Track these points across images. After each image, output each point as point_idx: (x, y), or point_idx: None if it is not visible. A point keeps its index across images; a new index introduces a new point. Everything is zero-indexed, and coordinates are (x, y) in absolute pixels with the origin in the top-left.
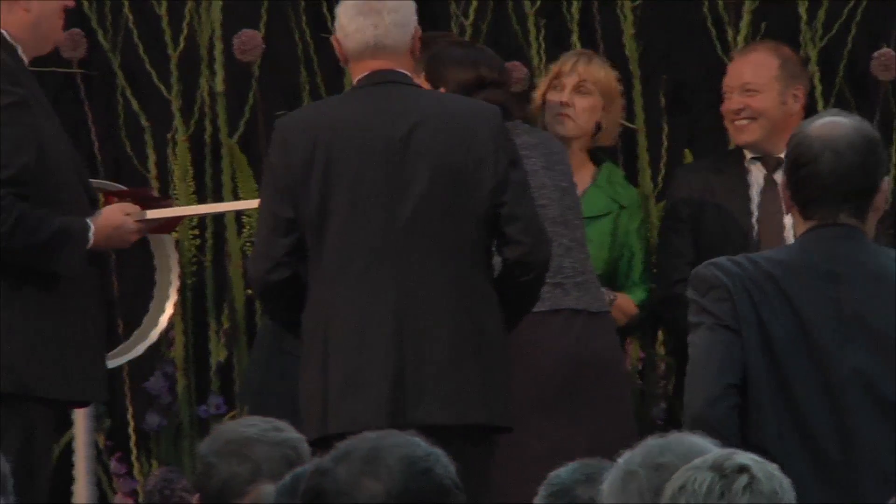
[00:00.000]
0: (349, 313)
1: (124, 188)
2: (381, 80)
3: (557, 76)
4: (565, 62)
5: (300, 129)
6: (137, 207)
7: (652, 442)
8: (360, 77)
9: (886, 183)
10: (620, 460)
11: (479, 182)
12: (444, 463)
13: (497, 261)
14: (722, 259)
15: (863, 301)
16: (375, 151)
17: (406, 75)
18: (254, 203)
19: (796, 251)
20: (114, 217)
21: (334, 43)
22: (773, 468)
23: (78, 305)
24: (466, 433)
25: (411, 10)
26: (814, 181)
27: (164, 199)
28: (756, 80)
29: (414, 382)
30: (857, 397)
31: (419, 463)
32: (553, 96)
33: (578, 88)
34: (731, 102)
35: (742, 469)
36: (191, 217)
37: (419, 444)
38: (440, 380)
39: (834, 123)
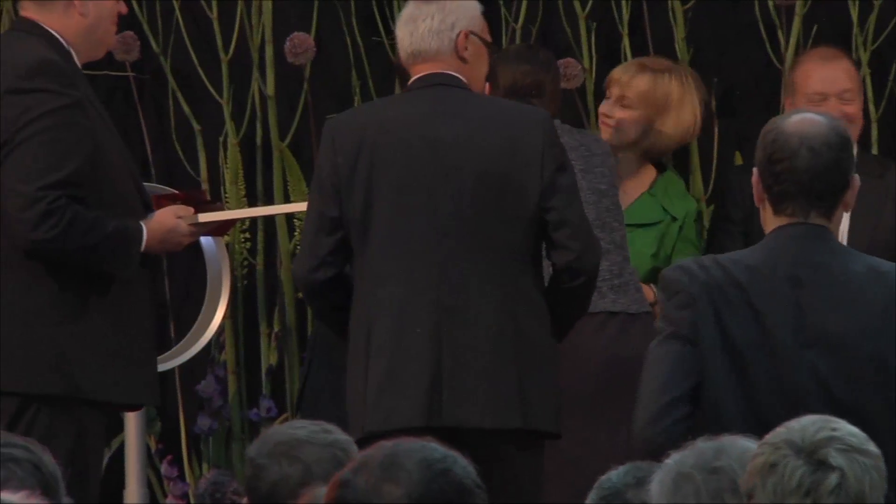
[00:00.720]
0: (390, 313)
1: (177, 191)
2: (430, 82)
3: (608, 85)
4: (616, 72)
5: (348, 129)
6: (190, 210)
7: (704, 445)
8: (412, 80)
9: (857, 180)
10: (670, 461)
11: (526, 186)
12: (462, 464)
13: (547, 266)
14: (690, 262)
15: (824, 307)
16: (421, 153)
17: (456, 77)
18: (304, 206)
19: (763, 254)
20: (167, 220)
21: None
22: (867, 464)
23: (129, 308)
24: (511, 437)
25: (451, 15)
26: (790, 177)
27: (216, 203)
28: (853, 86)
29: (452, 384)
30: (816, 403)
31: (437, 465)
32: (602, 105)
33: (620, 101)
34: (830, 108)
35: (834, 467)
36: (242, 220)
37: (435, 448)
38: (478, 383)
39: (811, 120)
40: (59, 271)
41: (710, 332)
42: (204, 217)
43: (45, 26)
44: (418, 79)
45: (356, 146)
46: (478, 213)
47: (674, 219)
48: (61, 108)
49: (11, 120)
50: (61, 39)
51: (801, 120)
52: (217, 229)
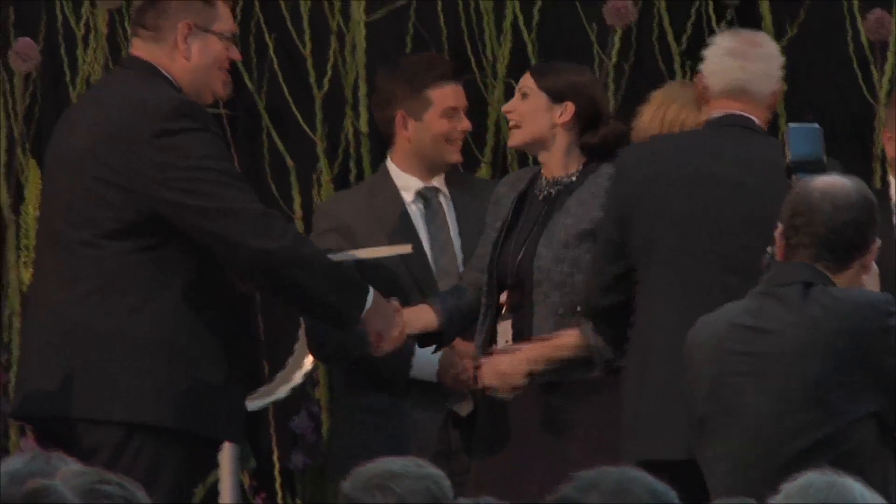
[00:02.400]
0: (665, 344)
1: None
2: (729, 122)
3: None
4: (696, 111)
5: (638, 159)
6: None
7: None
8: (711, 117)
9: (877, 244)
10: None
11: None
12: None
13: None
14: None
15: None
16: (708, 190)
17: (755, 122)
18: (406, 248)
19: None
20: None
21: (697, 80)
22: None
23: (229, 341)
24: None
25: (779, 63)
26: (808, 229)
27: None
28: None
29: None
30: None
31: (664, 496)
32: None
33: None
34: None
35: None
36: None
37: (657, 480)
38: None
39: (837, 181)
40: (163, 302)
41: None
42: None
43: (157, 66)
44: (719, 117)
45: (644, 176)
46: (752, 253)
47: None
48: (214, 143)
49: (169, 163)
50: (173, 80)
51: (827, 180)
52: None
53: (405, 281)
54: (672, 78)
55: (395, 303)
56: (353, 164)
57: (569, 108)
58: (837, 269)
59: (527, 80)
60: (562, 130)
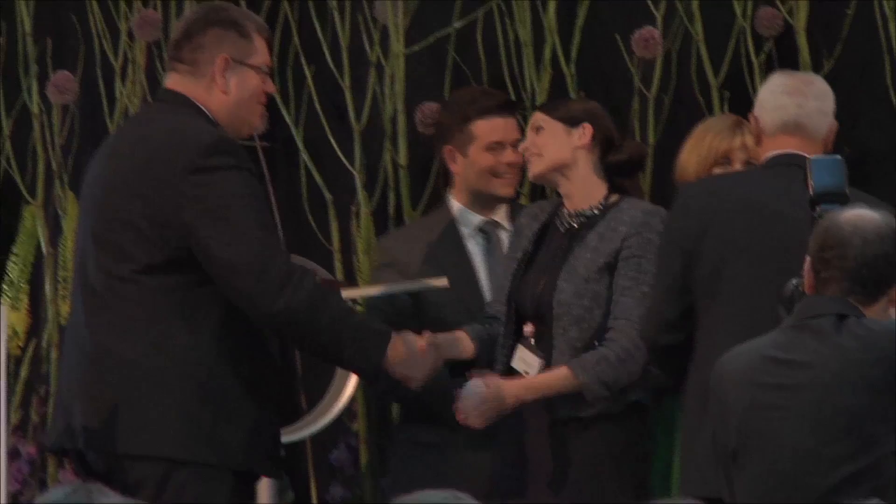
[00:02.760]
0: None
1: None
2: (788, 162)
3: (726, 154)
4: (727, 139)
5: (702, 196)
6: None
7: None
8: (768, 156)
9: None
10: None
11: None
12: None
13: None
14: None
15: None
16: (770, 227)
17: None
18: (442, 282)
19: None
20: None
21: (751, 119)
22: None
23: (267, 376)
24: None
25: (833, 102)
26: (838, 263)
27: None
28: None
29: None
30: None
31: None
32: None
33: (748, 164)
34: None
35: None
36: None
37: None
38: None
39: (866, 214)
40: (201, 337)
41: None
42: (347, 293)
43: (194, 100)
44: (776, 157)
45: (708, 213)
46: None
47: None
48: (249, 182)
49: (200, 199)
50: (210, 114)
51: (856, 214)
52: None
53: (461, 316)
54: (710, 110)
55: (425, 337)
56: (391, 197)
57: (587, 129)
58: (867, 302)
59: (537, 117)
60: (583, 153)
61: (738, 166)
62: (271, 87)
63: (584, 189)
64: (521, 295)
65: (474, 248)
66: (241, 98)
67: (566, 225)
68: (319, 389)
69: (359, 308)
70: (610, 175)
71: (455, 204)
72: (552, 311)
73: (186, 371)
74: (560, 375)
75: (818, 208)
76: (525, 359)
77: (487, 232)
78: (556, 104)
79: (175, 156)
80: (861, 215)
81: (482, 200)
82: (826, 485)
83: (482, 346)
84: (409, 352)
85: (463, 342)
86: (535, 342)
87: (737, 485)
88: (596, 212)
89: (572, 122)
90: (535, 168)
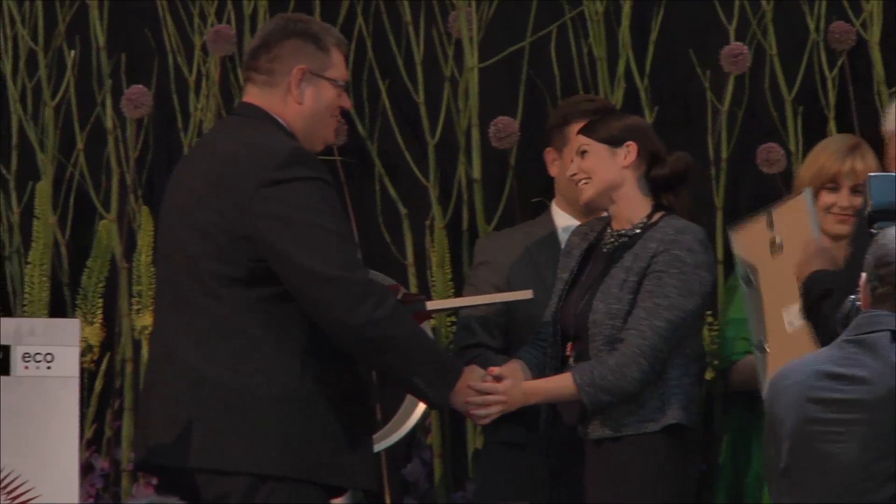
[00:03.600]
0: None
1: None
2: None
3: (833, 179)
4: (838, 162)
5: None
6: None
7: None
8: None
9: None
10: None
11: None
12: None
13: None
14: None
15: None
16: None
17: None
18: (527, 294)
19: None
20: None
21: (887, 138)
22: None
23: (353, 391)
24: None
25: None
26: (894, 279)
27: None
28: None
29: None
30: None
31: None
32: (829, 198)
33: (855, 189)
34: None
35: None
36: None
37: None
38: None
39: None
40: (286, 352)
41: None
42: (432, 305)
43: (271, 113)
44: None
45: None
46: None
47: None
48: (327, 194)
49: (278, 210)
50: (286, 125)
51: None
52: (421, 314)
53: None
54: (783, 124)
55: (491, 371)
56: (465, 211)
57: (631, 147)
58: None
59: (580, 140)
60: (629, 172)
61: (844, 192)
62: (347, 103)
63: (630, 209)
64: (565, 315)
65: None
66: (316, 110)
67: (609, 245)
68: (394, 403)
69: (432, 322)
70: (656, 190)
71: (556, 209)
72: (588, 331)
73: (272, 387)
74: (562, 381)
75: (875, 225)
76: None
77: None
78: (596, 126)
79: (252, 169)
80: None
81: (579, 207)
82: (876, 501)
83: (537, 375)
84: (477, 389)
85: (518, 374)
86: (574, 362)
87: (787, 498)
88: (637, 231)
89: (615, 142)
90: (587, 194)
